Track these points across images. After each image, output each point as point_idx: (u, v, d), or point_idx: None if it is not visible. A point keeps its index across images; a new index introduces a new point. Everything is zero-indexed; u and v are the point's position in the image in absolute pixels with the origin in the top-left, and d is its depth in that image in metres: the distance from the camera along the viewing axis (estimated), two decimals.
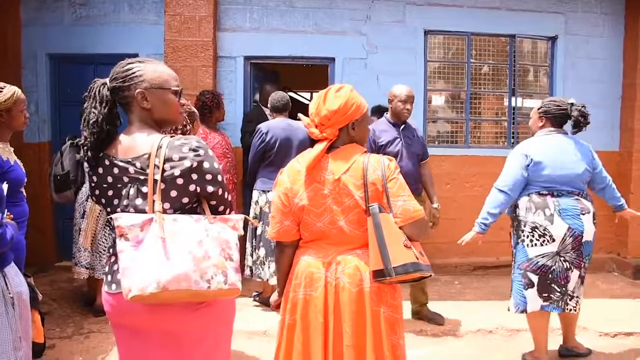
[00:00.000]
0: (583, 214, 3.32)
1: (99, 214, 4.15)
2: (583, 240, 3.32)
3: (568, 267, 3.33)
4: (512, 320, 4.00)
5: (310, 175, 2.05)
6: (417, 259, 1.96)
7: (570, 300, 3.37)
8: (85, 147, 1.72)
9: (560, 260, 3.32)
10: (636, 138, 5.84)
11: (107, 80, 1.77)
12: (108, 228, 4.18)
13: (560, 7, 5.95)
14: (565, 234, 3.29)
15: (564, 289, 3.35)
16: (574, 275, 3.36)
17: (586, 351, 3.68)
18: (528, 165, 3.37)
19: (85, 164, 1.79)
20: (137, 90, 1.75)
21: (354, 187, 2.01)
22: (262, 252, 4.40)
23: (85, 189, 4.18)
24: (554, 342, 3.69)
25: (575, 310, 3.42)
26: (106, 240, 4.17)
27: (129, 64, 1.78)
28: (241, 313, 4.17)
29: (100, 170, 1.73)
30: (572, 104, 3.43)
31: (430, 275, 2.04)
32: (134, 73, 1.76)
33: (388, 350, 2.00)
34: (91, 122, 1.71)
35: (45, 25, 5.56)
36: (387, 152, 3.90)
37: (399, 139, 4.05)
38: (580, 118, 3.41)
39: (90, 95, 1.75)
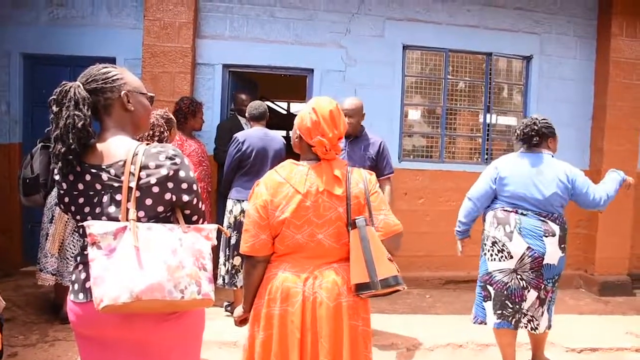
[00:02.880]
0: (546, 236, 3.29)
1: (68, 219, 4.06)
2: (544, 263, 3.29)
3: (524, 286, 3.33)
4: (482, 334, 4.04)
5: (296, 188, 2.03)
6: (398, 272, 1.99)
7: (523, 318, 3.37)
8: (69, 157, 1.62)
9: (517, 278, 3.34)
10: (605, 158, 5.99)
11: (78, 82, 1.70)
12: (77, 234, 4.09)
13: (536, 28, 6.10)
14: (524, 253, 3.30)
15: (517, 306, 3.36)
16: (531, 295, 3.34)
17: None
18: (495, 179, 3.48)
19: (55, 171, 1.69)
20: (123, 92, 1.75)
21: (337, 199, 2.02)
22: (237, 260, 4.37)
23: (55, 193, 4.08)
24: (524, 356, 3.74)
25: (531, 330, 3.39)
26: (74, 246, 4.08)
27: (105, 67, 1.77)
28: (212, 323, 4.11)
29: (71, 177, 1.68)
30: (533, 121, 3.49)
31: (405, 289, 2.05)
32: (115, 75, 1.75)
33: None
34: (78, 127, 1.62)
35: (21, 25, 5.46)
36: None
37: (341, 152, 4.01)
38: (531, 132, 3.44)
39: (67, 99, 1.65)
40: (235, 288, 4.44)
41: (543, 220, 3.33)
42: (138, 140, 1.79)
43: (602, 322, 4.96)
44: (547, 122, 3.48)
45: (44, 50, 5.47)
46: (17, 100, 5.55)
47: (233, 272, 4.41)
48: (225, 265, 4.44)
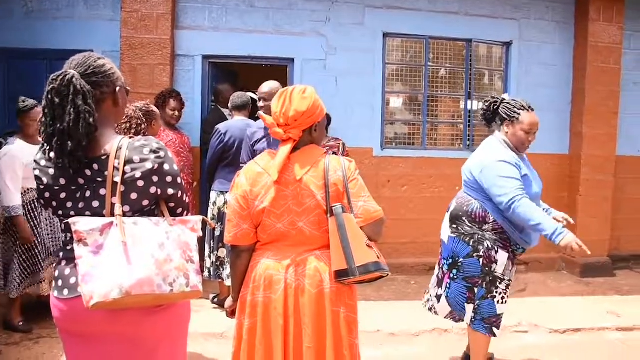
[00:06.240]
0: (448, 211, 3.28)
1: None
2: (441, 238, 3.31)
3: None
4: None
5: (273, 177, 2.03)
6: (378, 258, 2.00)
7: (425, 293, 3.48)
8: (79, 153, 1.58)
9: None
10: (584, 142, 6.08)
11: (75, 72, 1.62)
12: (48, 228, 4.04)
13: (515, 14, 6.13)
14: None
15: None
16: (435, 270, 3.40)
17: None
18: None
19: (35, 165, 1.67)
20: (119, 88, 1.75)
21: (316, 187, 2.02)
22: (222, 252, 4.36)
23: None
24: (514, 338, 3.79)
25: (428, 310, 3.40)
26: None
27: (100, 59, 1.73)
28: (199, 315, 4.12)
29: (52, 171, 1.65)
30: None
31: (388, 275, 2.06)
32: (110, 69, 1.73)
33: (347, 350, 2.01)
34: (89, 122, 1.58)
35: None
36: (256, 149, 3.94)
37: (265, 138, 3.98)
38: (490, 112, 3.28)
39: (71, 91, 1.58)
40: (220, 280, 4.44)
41: (456, 198, 3.28)
42: (117, 133, 1.77)
43: (584, 303, 5.05)
44: (510, 104, 3.13)
45: (19, 44, 5.34)
46: None
47: (218, 264, 4.40)
48: (210, 257, 4.43)
